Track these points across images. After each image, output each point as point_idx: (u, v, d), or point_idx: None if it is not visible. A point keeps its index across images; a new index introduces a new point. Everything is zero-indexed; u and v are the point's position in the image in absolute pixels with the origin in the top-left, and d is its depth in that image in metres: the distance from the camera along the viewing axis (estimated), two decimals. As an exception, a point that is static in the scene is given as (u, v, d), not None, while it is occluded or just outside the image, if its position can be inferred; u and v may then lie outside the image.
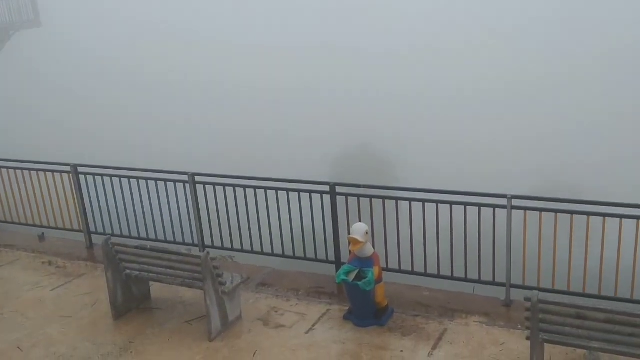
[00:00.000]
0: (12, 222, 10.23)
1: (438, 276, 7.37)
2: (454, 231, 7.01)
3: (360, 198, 7.52)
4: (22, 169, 9.71)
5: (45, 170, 9.55)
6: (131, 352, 6.50)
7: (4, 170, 9.94)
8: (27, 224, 10.08)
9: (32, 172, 9.63)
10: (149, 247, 7.01)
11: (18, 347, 6.74)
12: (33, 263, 9.12)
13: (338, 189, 7.57)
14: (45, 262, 9.09)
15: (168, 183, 8.56)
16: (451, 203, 6.98)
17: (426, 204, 7.18)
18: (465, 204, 6.94)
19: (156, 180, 8.62)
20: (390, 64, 41.44)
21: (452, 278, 7.31)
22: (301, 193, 7.75)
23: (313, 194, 7.72)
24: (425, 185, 7.64)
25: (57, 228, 9.86)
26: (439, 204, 7.06)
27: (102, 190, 9.11)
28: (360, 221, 7.00)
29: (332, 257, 7.86)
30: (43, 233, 10.05)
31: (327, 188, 7.57)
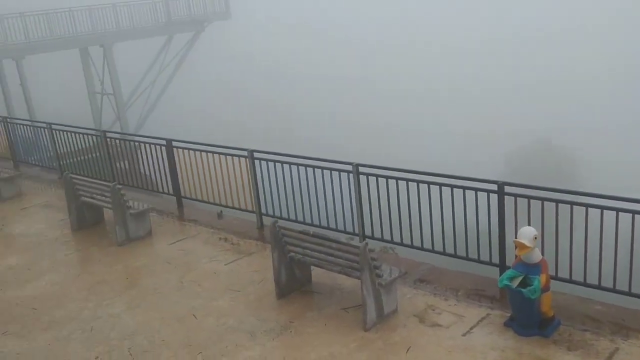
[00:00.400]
0: (197, 200, 11.25)
1: (613, 290, 6.72)
2: (635, 243, 6.33)
3: (531, 200, 7.09)
4: (206, 151, 10.62)
5: (226, 154, 10.35)
6: (290, 332, 6.84)
7: (191, 152, 10.94)
8: (208, 202, 11.01)
9: (214, 155, 10.49)
10: (311, 232, 7.30)
11: (193, 315, 7.43)
12: (211, 238, 9.96)
13: (507, 189, 7.22)
14: (222, 238, 9.87)
15: (333, 172, 8.81)
16: (634, 212, 6.31)
17: (605, 211, 6.56)
18: (651, 214, 6.24)
19: (322, 169, 8.92)
20: (568, 50, 38.60)
21: (629, 294, 6.61)
22: (466, 190, 7.51)
23: (479, 192, 7.44)
24: (608, 188, 6.97)
25: (233, 207, 10.65)
26: (620, 212, 6.42)
27: (274, 175, 9.65)
28: (529, 224, 6.61)
29: (496, 259, 7.53)
30: (221, 211, 10.92)
31: (494, 187, 7.26)
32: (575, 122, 31.52)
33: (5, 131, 16.06)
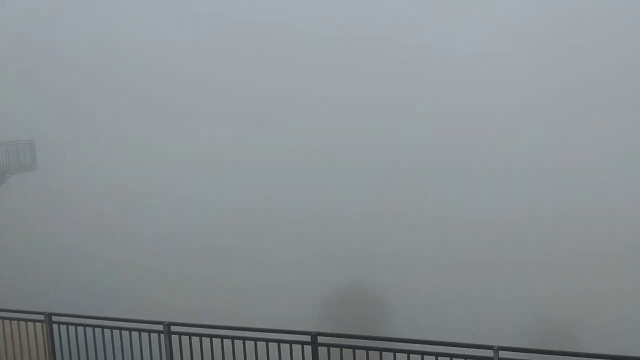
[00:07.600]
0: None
1: None
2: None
3: (344, 349, 7.15)
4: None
5: (18, 319, 9.10)
6: None
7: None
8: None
9: (4, 321, 9.20)
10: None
11: None
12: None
13: (320, 339, 7.23)
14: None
15: (142, 333, 8.16)
16: (437, 354, 6.64)
17: (412, 355, 6.82)
18: (452, 356, 6.61)
19: (130, 330, 8.22)
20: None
21: None
22: (281, 344, 7.38)
23: (293, 345, 7.34)
24: (420, 334, 7.26)
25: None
26: (425, 356, 6.70)
27: (75, 342, 8.65)
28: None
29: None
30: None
31: (308, 338, 7.23)
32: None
33: None
